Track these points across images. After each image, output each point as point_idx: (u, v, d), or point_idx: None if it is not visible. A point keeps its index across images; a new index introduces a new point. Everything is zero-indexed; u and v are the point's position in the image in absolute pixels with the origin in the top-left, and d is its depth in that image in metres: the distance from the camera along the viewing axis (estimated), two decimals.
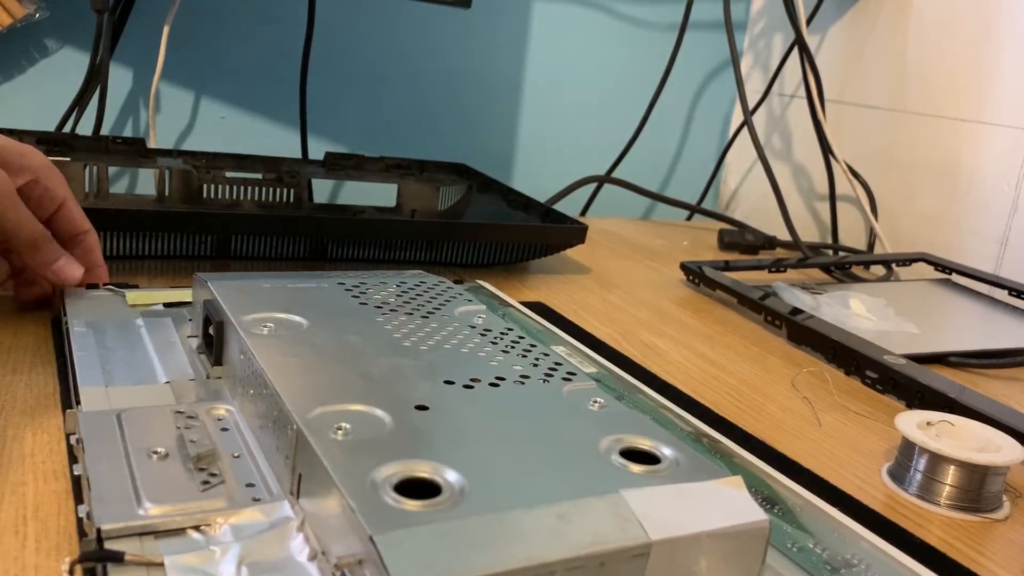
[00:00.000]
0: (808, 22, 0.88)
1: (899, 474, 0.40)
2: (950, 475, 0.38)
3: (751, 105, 0.93)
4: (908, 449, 0.40)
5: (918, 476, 0.39)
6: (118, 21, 0.77)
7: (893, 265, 0.80)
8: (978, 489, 0.38)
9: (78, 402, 0.35)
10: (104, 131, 0.78)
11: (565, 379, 0.35)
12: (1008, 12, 0.75)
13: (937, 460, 0.38)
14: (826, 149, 0.87)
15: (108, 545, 0.25)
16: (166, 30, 0.78)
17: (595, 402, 0.33)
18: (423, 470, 0.26)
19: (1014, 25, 0.75)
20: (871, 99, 0.89)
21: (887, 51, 0.87)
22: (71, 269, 0.44)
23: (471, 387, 0.33)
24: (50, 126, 0.76)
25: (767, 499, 0.34)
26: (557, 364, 0.37)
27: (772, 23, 1.00)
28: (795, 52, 0.88)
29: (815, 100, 0.86)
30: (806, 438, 0.44)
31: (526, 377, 0.35)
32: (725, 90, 1.06)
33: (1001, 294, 0.71)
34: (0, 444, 0.34)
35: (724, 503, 0.27)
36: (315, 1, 0.82)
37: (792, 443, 0.43)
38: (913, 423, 0.40)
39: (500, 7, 0.94)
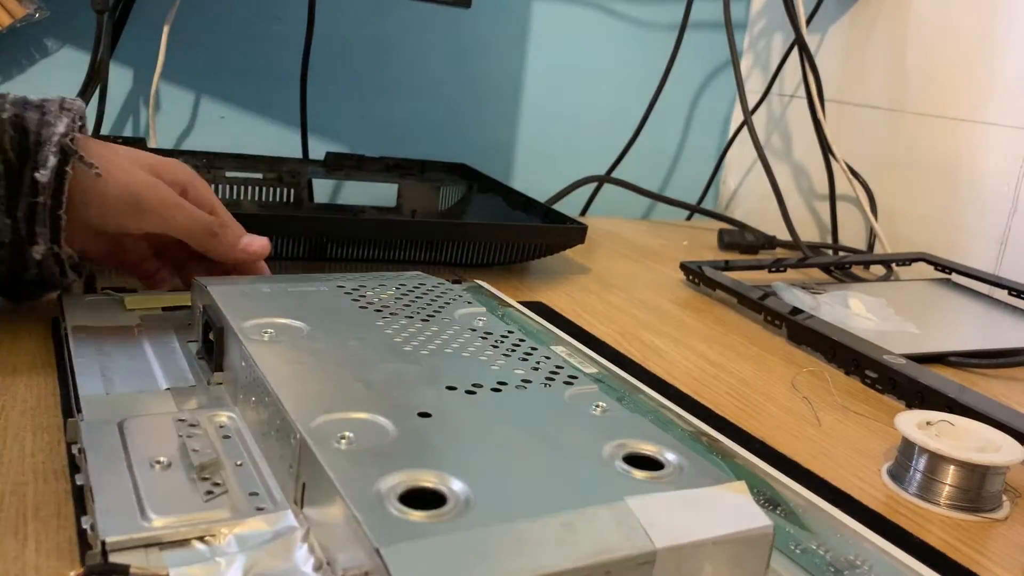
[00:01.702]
0: (808, 22, 0.88)
1: (899, 474, 0.40)
2: (950, 475, 0.38)
3: (751, 105, 0.93)
4: (908, 449, 0.40)
5: (918, 476, 0.39)
6: (118, 21, 0.77)
7: (893, 265, 0.80)
8: (978, 489, 0.38)
9: (79, 409, 0.34)
10: (104, 131, 0.78)
11: (567, 383, 0.35)
12: (1008, 12, 0.75)
13: (937, 460, 0.39)
14: (826, 149, 0.87)
15: (113, 558, 0.25)
16: (166, 30, 0.78)
17: (597, 406, 0.33)
18: (428, 479, 0.26)
19: (1014, 25, 0.75)
20: (871, 99, 0.88)
21: (887, 51, 0.87)
22: (258, 241, 0.47)
23: (473, 393, 0.33)
24: None
25: (769, 500, 0.34)
26: (558, 367, 0.37)
27: (772, 23, 1.00)
28: (795, 52, 0.88)
29: (815, 100, 0.86)
30: (806, 438, 0.44)
31: (528, 382, 0.35)
32: (725, 90, 1.06)
33: (1001, 294, 0.71)
34: (0, 444, 0.34)
35: (728, 509, 0.27)
36: (315, 1, 0.82)
37: (792, 443, 0.43)
38: (913, 423, 0.40)
39: (500, 7, 0.94)
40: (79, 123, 0.41)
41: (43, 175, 0.39)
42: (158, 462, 0.30)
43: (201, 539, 0.27)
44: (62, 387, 0.39)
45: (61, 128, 0.40)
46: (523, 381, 0.35)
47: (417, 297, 0.44)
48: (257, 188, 0.68)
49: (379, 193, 0.80)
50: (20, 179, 0.39)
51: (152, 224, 0.43)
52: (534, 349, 0.38)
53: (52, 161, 0.39)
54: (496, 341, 0.39)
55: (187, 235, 0.45)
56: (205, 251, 0.46)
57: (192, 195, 0.45)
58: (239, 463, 0.31)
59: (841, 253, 0.86)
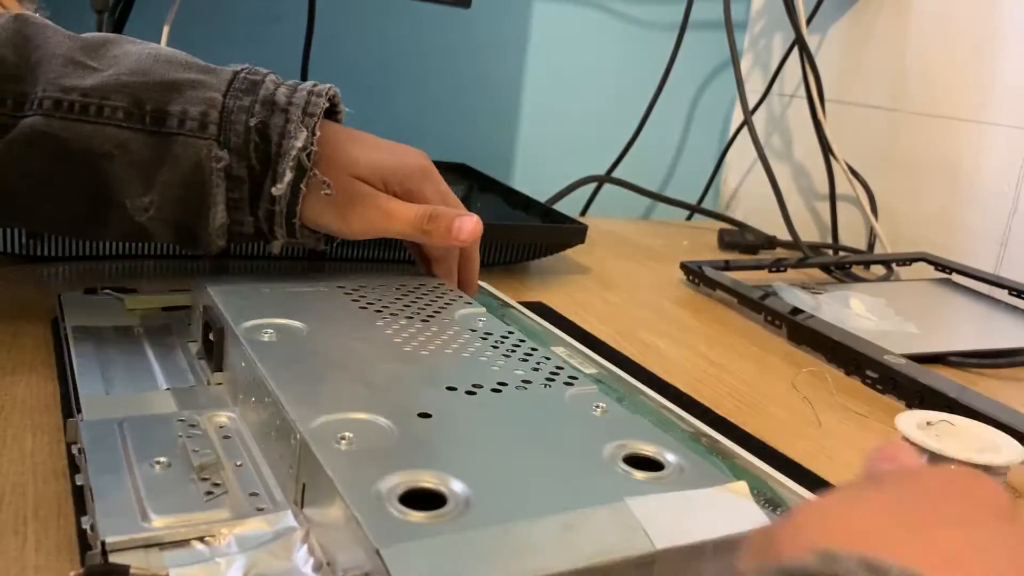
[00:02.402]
0: (808, 22, 0.88)
1: None
2: None
3: (751, 105, 0.93)
4: None
5: None
6: (118, 21, 0.76)
7: (893, 265, 0.80)
8: None
9: (79, 410, 0.34)
10: None
11: (567, 383, 0.35)
12: (1008, 12, 0.75)
13: (937, 460, 0.38)
14: (826, 149, 0.87)
15: (113, 558, 0.25)
16: (166, 30, 0.78)
17: (598, 407, 0.33)
18: (428, 480, 0.26)
19: (1014, 25, 0.75)
20: (871, 99, 0.88)
21: (887, 51, 0.87)
22: (467, 227, 0.46)
23: (473, 393, 0.33)
24: None
25: (769, 501, 0.34)
26: (559, 368, 0.37)
27: (772, 23, 1.00)
28: (795, 52, 0.88)
29: (815, 100, 0.85)
30: (806, 438, 0.44)
31: (528, 382, 0.35)
32: (725, 90, 1.06)
33: (1001, 294, 0.71)
34: (0, 444, 0.34)
35: (729, 510, 0.27)
36: (315, 1, 0.82)
37: (792, 443, 0.43)
38: (913, 423, 0.40)
39: (500, 7, 0.94)
40: (318, 132, 0.42)
41: (279, 189, 0.42)
42: (158, 462, 0.30)
43: (201, 539, 0.27)
44: (62, 387, 0.39)
45: (300, 143, 0.42)
46: (523, 382, 0.35)
47: (417, 297, 0.44)
48: None
49: None
50: (261, 186, 0.42)
51: (365, 234, 0.45)
52: (534, 350, 0.38)
53: (288, 176, 0.42)
54: (496, 342, 0.39)
55: (403, 237, 0.46)
56: (428, 245, 0.47)
57: (417, 192, 0.46)
58: (239, 463, 0.31)
59: (841, 253, 0.86)
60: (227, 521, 0.27)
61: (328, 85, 0.45)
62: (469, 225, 0.46)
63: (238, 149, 0.41)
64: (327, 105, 0.44)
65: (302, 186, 0.42)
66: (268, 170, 0.42)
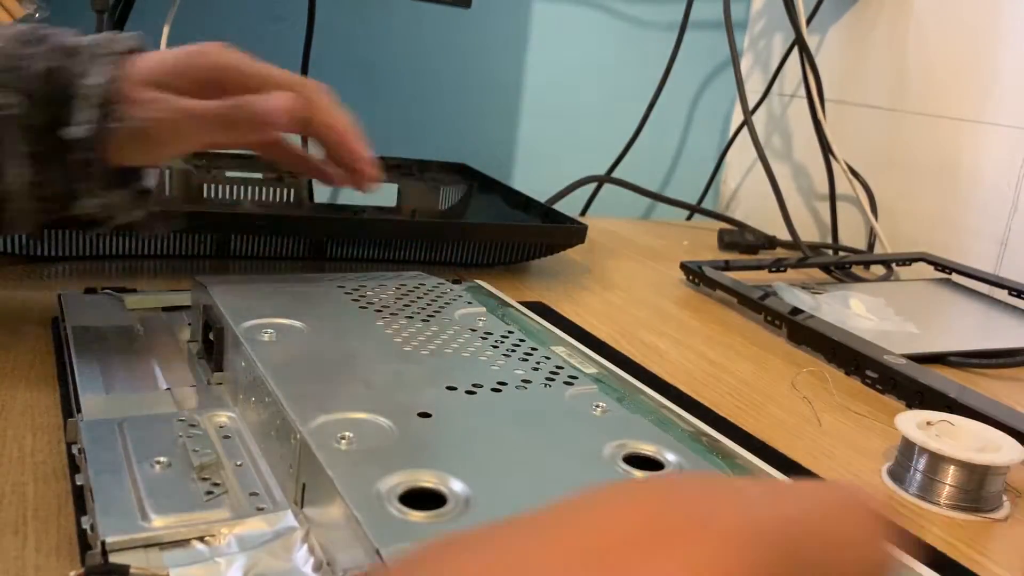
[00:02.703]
0: (808, 22, 0.88)
1: (899, 474, 0.40)
2: (950, 475, 0.38)
3: (751, 105, 0.93)
4: (908, 449, 0.40)
5: (918, 476, 0.39)
6: (118, 21, 0.76)
7: (893, 265, 0.80)
8: (978, 489, 0.38)
9: (79, 410, 0.34)
10: None
11: (567, 383, 0.35)
12: (1008, 12, 0.75)
13: (937, 460, 0.39)
14: (826, 149, 0.87)
15: (113, 558, 0.25)
16: (166, 30, 0.78)
17: (597, 407, 0.33)
18: (428, 480, 0.26)
19: (1014, 25, 0.75)
20: (871, 99, 0.88)
21: (887, 51, 0.87)
22: (277, 108, 0.38)
23: (473, 393, 0.33)
24: None
25: None
26: (559, 368, 0.37)
27: (772, 23, 1.00)
28: (795, 52, 0.88)
29: (815, 100, 0.85)
30: (806, 438, 0.44)
31: (528, 382, 0.35)
32: (725, 90, 1.06)
33: (1001, 294, 0.71)
34: (0, 444, 0.34)
35: None
36: (315, 1, 0.82)
37: (792, 443, 0.43)
38: (913, 423, 0.40)
39: (500, 7, 0.94)
40: (120, 71, 0.38)
41: (76, 131, 0.37)
42: (158, 462, 0.30)
43: (201, 539, 0.27)
44: (62, 387, 0.39)
45: (99, 79, 0.37)
46: (523, 381, 0.35)
47: (417, 297, 0.44)
48: (257, 188, 0.68)
49: (379, 193, 0.80)
50: (61, 136, 0.37)
51: (173, 153, 0.40)
52: (534, 349, 0.38)
53: (86, 116, 0.37)
54: (496, 341, 0.39)
55: (213, 146, 0.40)
56: (245, 144, 0.42)
57: (225, 66, 0.40)
58: (239, 463, 0.31)
59: (841, 253, 0.86)
60: (227, 521, 0.27)
61: (136, 32, 0.40)
62: (277, 102, 0.38)
63: (29, 93, 0.37)
64: (132, 44, 0.39)
65: (104, 126, 0.37)
66: (67, 115, 0.37)
